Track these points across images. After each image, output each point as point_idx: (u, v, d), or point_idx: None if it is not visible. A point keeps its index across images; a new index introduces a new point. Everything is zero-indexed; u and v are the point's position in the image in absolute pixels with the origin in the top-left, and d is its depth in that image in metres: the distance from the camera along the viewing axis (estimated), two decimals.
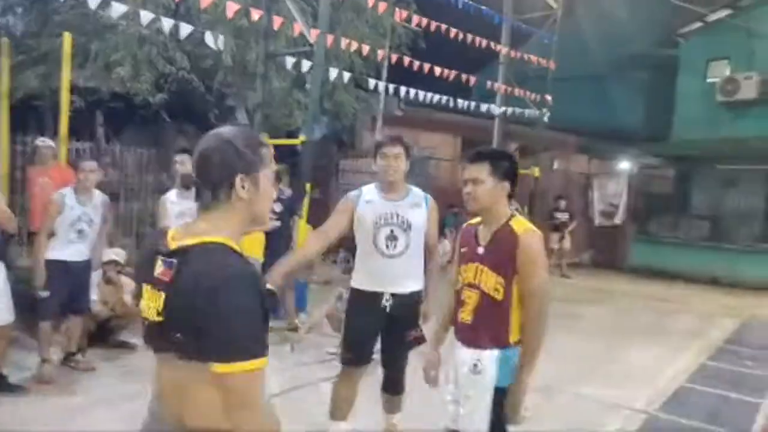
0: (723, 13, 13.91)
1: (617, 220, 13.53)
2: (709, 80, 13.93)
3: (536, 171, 11.46)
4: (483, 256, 2.32)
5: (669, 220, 13.36)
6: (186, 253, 1.25)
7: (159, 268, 1.28)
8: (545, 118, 11.51)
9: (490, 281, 2.27)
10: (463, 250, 2.46)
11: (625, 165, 14.05)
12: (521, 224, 2.28)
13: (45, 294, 4.16)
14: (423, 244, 3.15)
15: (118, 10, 5.30)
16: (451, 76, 9.45)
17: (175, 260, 1.25)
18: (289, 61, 6.73)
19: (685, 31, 14.65)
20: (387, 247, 3.06)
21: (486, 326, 2.28)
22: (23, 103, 6.99)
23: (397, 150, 3.09)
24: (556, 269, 10.78)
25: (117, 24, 6.62)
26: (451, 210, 11.18)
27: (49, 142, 5.64)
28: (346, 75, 7.32)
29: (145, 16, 5.38)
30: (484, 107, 10.47)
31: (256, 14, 6.19)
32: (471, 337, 2.34)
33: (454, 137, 13.90)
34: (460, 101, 10.28)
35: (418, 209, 3.13)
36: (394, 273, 3.06)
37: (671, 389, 4.75)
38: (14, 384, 4.00)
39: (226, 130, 1.37)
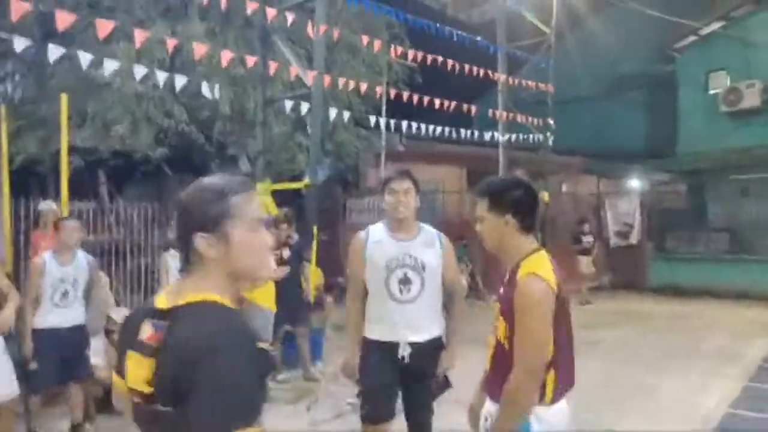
0: (716, 26, 13.94)
1: (633, 239, 13.25)
2: (710, 92, 13.86)
3: (546, 196, 11.28)
4: (500, 297, 2.09)
5: (686, 235, 13.07)
6: (176, 315, 1.16)
7: (147, 332, 1.17)
8: (549, 142, 11.39)
9: (501, 327, 2.02)
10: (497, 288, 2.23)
11: (635, 183, 13.86)
12: (529, 266, 1.97)
13: (35, 366, 3.93)
14: (439, 286, 2.91)
15: (110, 67, 5.28)
16: (451, 107, 9.41)
17: (165, 322, 1.15)
18: (288, 105, 6.68)
19: (680, 46, 14.68)
20: (401, 291, 2.83)
21: (500, 378, 2.00)
22: (24, 168, 6.97)
23: (407, 185, 2.88)
24: (577, 295, 10.48)
25: (111, 82, 6.61)
26: (461, 242, 10.99)
27: (52, 205, 5.56)
28: (346, 114, 7.26)
29: (139, 71, 5.35)
30: (487, 135, 10.36)
31: (251, 61, 6.17)
32: (490, 389, 2.09)
33: (459, 168, 13.80)
34: (462, 131, 10.23)
35: (431, 248, 2.89)
36: (409, 319, 2.81)
37: (716, 418, 4.43)
38: None
39: (193, 184, 1.29)
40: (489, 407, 2.07)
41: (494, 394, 2.04)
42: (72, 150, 5.98)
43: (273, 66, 6.33)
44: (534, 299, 1.90)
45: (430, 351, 2.86)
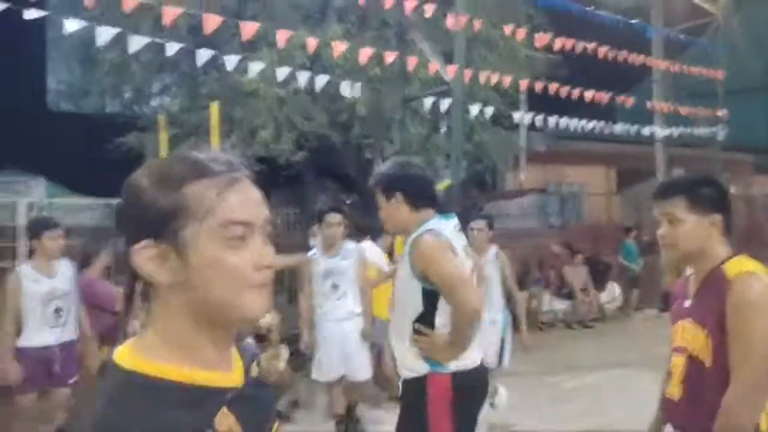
0: None
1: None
2: None
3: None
4: (689, 309, 1.82)
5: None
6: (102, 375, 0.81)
7: None
8: (720, 137, 9.96)
9: (699, 340, 1.72)
10: (674, 306, 1.96)
11: None
12: (740, 265, 1.73)
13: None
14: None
15: (254, 69, 5.35)
16: (601, 100, 8.54)
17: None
18: (426, 103, 6.38)
19: None
20: None
21: (698, 403, 1.73)
22: None
23: None
24: None
25: (256, 89, 6.74)
26: (629, 236, 10.17)
27: None
28: (488, 111, 6.79)
29: (282, 72, 5.36)
30: (645, 131, 9.28)
31: (389, 58, 5.95)
32: (680, 417, 1.82)
33: (606, 169, 12.67)
34: (614, 127, 9.28)
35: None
36: None
37: None
38: None
39: (149, 162, 0.86)
40: None
41: (688, 423, 1.78)
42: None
43: (411, 63, 6.06)
44: (758, 297, 1.65)
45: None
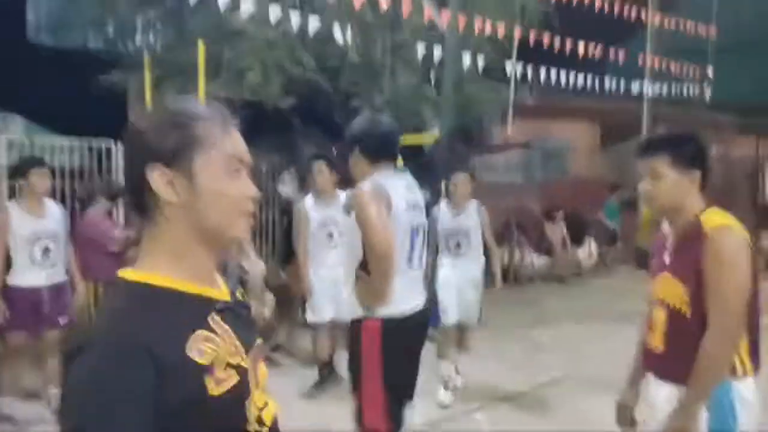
0: None
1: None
2: None
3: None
4: (669, 263, 1.93)
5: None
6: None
7: None
8: (706, 97, 10.02)
9: (677, 293, 1.84)
10: (653, 261, 2.08)
11: None
12: (715, 219, 1.85)
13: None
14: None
15: (246, 10, 5.20)
16: (594, 53, 8.48)
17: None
18: (419, 51, 6.28)
19: None
20: None
21: (681, 352, 1.84)
22: None
23: None
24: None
25: (245, 29, 6.55)
26: (613, 193, 10.36)
27: None
28: (481, 61, 6.71)
29: (274, 11, 5.21)
30: (633, 87, 9.26)
31: (383, 4, 5.81)
32: (664, 367, 1.94)
33: (591, 125, 12.68)
34: (606, 81, 9.27)
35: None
36: None
37: None
38: None
39: (150, 111, 1.02)
40: (673, 390, 1.84)
41: (672, 372, 1.88)
42: (207, 99, 6.06)
43: (405, 8, 5.92)
44: (733, 249, 1.78)
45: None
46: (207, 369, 0.87)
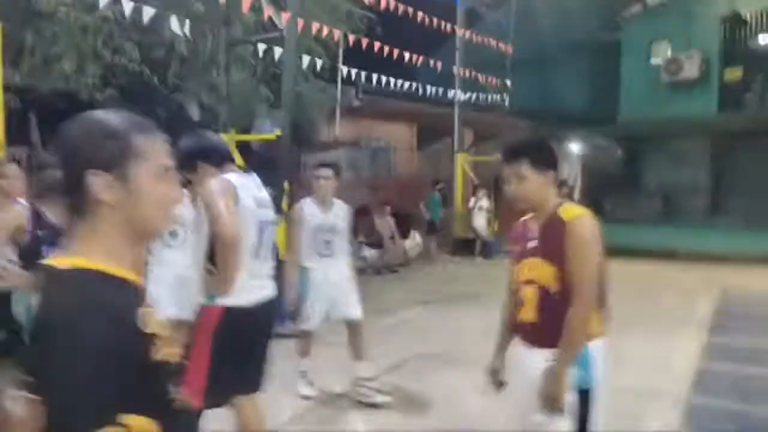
0: None
1: (573, 201, 13.70)
2: (652, 61, 14.36)
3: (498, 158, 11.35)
4: (535, 249, 2.25)
5: (622, 199, 13.67)
6: (48, 280, 1.03)
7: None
8: (506, 104, 11.42)
9: (546, 273, 2.18)
10: (515, 247, 2.39)
11: (576, 147, 14.25)
12: (572, 210, 2.19)
13: None
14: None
15: None
16: (415, 60, 9.14)
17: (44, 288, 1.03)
18: (257, 49, 6.18)
19: (626, 15, 15.03)
20: None
21: (552, 323, 2.14)
22: None
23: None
24: None
25: (54, 12, 5.83)
26: (435, 188, 11.15)
27: None
28: (318, 62, 6.83)
29: None
30: (448, 94, 10.19)
31: None
32: (537, 336, 2.21)
33: (410, 126, 13.62)
34: (421, 87, 10.03)
35: None
36: None
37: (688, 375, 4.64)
38: None
39: (82, 119, 1.11)
40: (546, 354, 2.14)
41: (544, 340, 2.16)
42: (6, 88, 5.26)
43: (245, 4, 5.78)
44: (591, 234, 2.13)
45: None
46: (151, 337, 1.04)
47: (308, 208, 4.15)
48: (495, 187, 11.43)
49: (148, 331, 1.03)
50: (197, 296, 2.61)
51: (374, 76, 9.60)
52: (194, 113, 8.27)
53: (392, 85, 9.95)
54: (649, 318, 6.61)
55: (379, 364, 4.89)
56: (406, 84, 10.07)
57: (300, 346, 4.28)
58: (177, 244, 4.09)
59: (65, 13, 5.79)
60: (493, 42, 10.94)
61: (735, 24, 12.84)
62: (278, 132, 6.11)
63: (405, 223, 10.92)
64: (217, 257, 2.47)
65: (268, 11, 5.98)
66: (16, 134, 6.43)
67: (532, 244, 2.27)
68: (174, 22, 5.20)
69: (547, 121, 14.28)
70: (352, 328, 4.16)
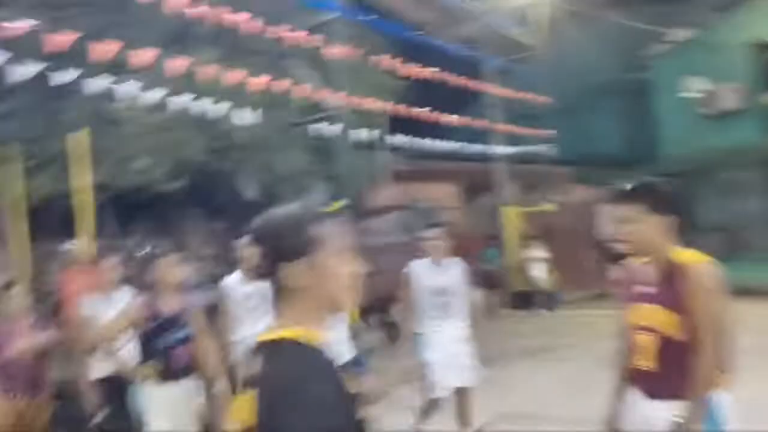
0: (688, 32, 14.52)
1: None
2: (686, 95, 14.34)
3: (550, 207, 11.38)
4: (653, 295, 2.17)
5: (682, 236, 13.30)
6: (269, 349, 1.21)
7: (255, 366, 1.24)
8: (549, 153, 11.54)
9: (667, 321, 2.10)
10: (625, 293, 2.31)
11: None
12: (694, 256, 2.12)
13: None
14: None
15: (122, 93, 5.11)
16: (452, 121, 9.42)
17: (262, 356, 1.21)
18: (314, 129, 6.55)
19: (652, 54, 15.20)
20: None
21: (674, 373, 2.06)
22: (38, 208, 6.60)
23: None
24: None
25: (125, 116, 6.33)
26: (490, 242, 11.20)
27: (78, 243, 5.25)
28: (372, 134, 7.16)
29: (159, 94, 5.16)
30: (490, 150, 10.40)
31: (280, 85, 6.01)
32: (658, 386, 2.13)
33: (454, 184, 13.82)
34: (460, 146, 10.30)
35: None
36: None
37: None
38: None
39: (273, 214, 1.30)
40: (664, 408, 2.05)
41: (666, 390, 2.07)
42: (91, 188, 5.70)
43: (298, 90, 6.18)
44: (714, 280, 2.05)
45: None
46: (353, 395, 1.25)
47: (420, 269, 4.01)
48: (550, 237, 11.40)
49: (351, 390, 1.21)
50: None
51: (415, 140, 9.93)
52: (252, 194, 8.65)
53: (433, 146, 10.26)
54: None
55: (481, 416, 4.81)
56: (446, 144, 10.36)
57: (420, 414, 4.08)
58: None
59: (135, 118, 6.26)
60: (525, 94, 11.19)
61: (765, 50, 12.93)
62: (341, 203, 6.36)
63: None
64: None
65: (323, 94, 6.36)
66: (100, 228, 6.89)
67: (645, 289, 2.19)
68: (246, 115, 5.59)
69: (588, 166, 14.30)
70: (463, 395, 3.99)
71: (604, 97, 16.00)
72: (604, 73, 15.22)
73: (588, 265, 11.84)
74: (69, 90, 6.50)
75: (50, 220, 6.75)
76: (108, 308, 4.07)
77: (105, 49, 5.00)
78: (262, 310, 4.15)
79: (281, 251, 1.24)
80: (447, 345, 3.88)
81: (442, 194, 13.22)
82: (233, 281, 4.33)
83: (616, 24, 12.51)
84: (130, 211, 7.52)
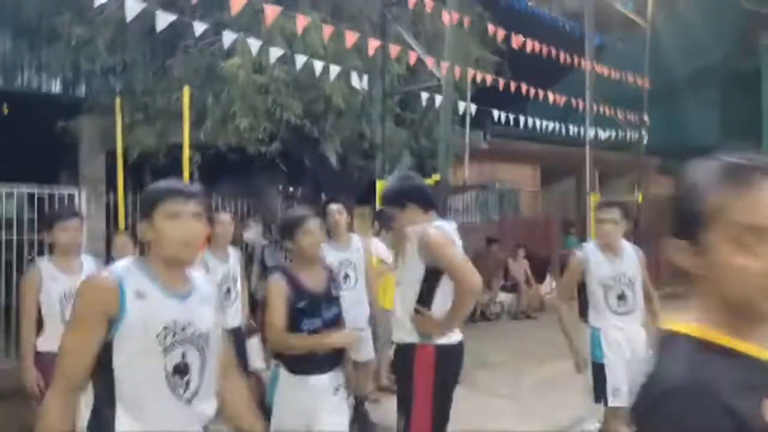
0: None
1: None
2: None
3: (640, 197, 10.76)
4: None
5: None
6: (661, 342, 0.99)
7: None
8: (644, 141, 10.89)
9: None
10: None
11: None
12: None
13: None
14: None
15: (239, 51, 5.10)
16: (542, 95, 9.00)
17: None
18: (416, 98, 6.38)
19: (766, 40, 14.07)
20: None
21: None
22: (138, 163, 6.78)
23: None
24: None
25: (236, 75, 6.32)
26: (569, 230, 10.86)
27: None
28: (473, 107, 6.92)
29: (274, 54, 5.12)
30: (569, 131, 9.93)
31: (371, 49, 5.88)
32: None
33: (533, 167, 13.37)
34: (545, 125, 9.88)
35: None
36: None
37: None
38: None
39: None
40: None
41: None
42: (190, 146, 5.75)
43: (394, 53, 6.00)
44: None
45: None
46: None
47: (593, 255, 3.55)
48: (635, 228, 10.85)
49: None
50: (405, 331, 2.72)
51: (501, 116, 9.59)
52: (333, 160, 8.58)
53: (520, 124, 9.88)
54: None
55: (559, 417, 4.66)
56: (530, 122, 9.96)
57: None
58: (349, 287, 4.21)
59: (242, 76, 6.26)
60: (625, 75, 10.52)
61: None
62: (436, 177, 6.20)
63: (539, 266, 10.58)
64: (458, 301, 2.64)
65: (429, 61, 6.16)
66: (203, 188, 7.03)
67: None
68: (355, 78, 5.49)
69: (679, 158, 13.51)
70: None
71: (707, 84, 14.99)
72: (710, 57, 14.23)
73: (665, 262, 11.23)
74: (179, 45, 6.61)
75: (149, 174, 6.95)
76: (218, 265, 4.13)
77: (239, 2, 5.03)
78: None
79: (668, 223, 1.00)
80: (626, 343, 3.55)
81: (520, 175, 12.83)
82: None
83: (733, 4, 11.55)
84: (225, 171, 7.63)
